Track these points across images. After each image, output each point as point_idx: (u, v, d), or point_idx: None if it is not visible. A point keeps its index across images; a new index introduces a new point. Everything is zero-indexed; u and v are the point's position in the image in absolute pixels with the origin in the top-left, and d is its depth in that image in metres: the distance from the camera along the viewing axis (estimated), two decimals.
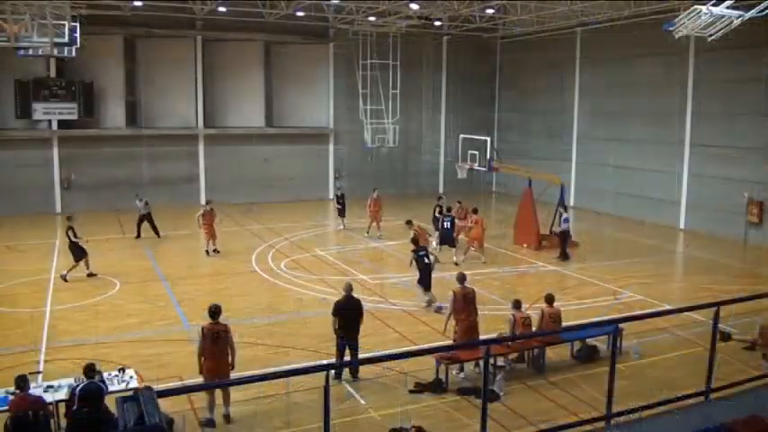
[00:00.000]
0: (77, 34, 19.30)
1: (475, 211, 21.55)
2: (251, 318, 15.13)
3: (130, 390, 9.40)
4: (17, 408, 8.87)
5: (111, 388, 9.58)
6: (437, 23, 33.03)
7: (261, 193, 32.66)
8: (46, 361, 12.68)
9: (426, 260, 16.08)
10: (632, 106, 29.20)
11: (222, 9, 29.24)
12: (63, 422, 9.46)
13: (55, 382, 10.11)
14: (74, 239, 18.63)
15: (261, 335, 13.34)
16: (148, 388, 5.37)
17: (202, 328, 10.35)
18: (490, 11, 30.04)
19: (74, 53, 22.48)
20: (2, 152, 29.39)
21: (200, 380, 10.34)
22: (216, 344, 10.23)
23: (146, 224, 24.13)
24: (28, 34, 14.78)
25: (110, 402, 8.97)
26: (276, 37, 33.01)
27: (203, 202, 32.15)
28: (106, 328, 14.67)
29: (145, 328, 14.77)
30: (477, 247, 21.17)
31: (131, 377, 10.20)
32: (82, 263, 18.67)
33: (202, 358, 10.22)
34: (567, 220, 21.46)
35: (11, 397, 9.23)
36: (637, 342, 13.12)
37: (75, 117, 29.62)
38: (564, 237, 21.41)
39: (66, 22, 16.78)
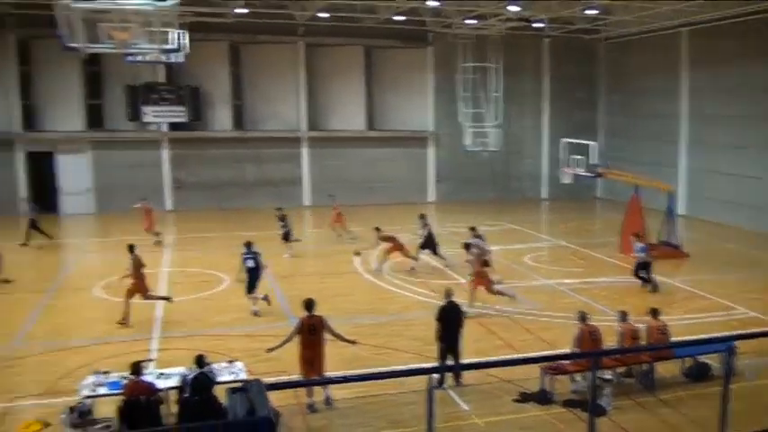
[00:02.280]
0: (185, 41, 20.02)
1: (467, 248, 17.26)
2: (353, 318, 15.26)
3: (239, 381, 9.64)
4: (131, 392, 9.27)
5: (219, 379, 9.87)
6: (538, 25, 32.43)
7: (363, 195, 32.98)
8: (159, 350, 13.24)
9: (251, 263, 15.80)
10: (748, 110, 27.61)
11: (323, 15, 29.74)
12: (173, 408, 9.81)
13: (167, 370, 10.49)
14: None
15: (363, 335, 13.42)
16: (258, 381, 5.47)
17: (300, 320, 10.93)
18: (592, 12, 29.22)
19: (182, 59, 23.40)
20: (116, 152, 31.06)
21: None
22: (312, 334, 10.77)
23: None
24: (137, 42, 15.40)
25: (219, 393, 9.28)
26: (376, 41, 33.33)
27: (306, 203, 32.84)
28: (216, 322, 15.18)
29: (252, 323, 15.18)
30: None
31: (240, 369, 10.48)
32: None
33: (299, 347, 10.76)
34: (644, 250, 18.67)
35: (125, 382, 9.67)
36: (752, 362, 12.34)
37: (184, 120, 30.84)
38: (642, 267, 18.49)
39: (173, 30, 17.41)
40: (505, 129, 33.75)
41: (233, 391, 7.75)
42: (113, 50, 16.55)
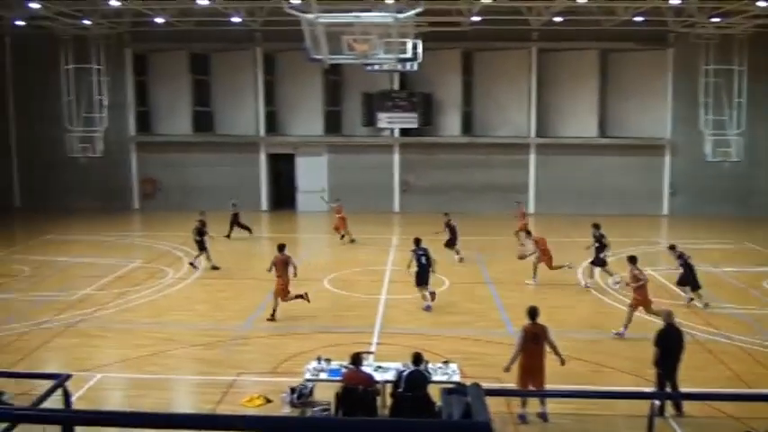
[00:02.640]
0: (420, 50, 20.71)
1: (632, 261, 14.98)
2: (571, 331, 14.72)
3: (454, 383, 9.72)
4: (349, 380, 9.74)
5: (434, 378, 10.03)
6: None
7: (590, 204, 31.65)
8: (377, 343, 13.77)
9: (424, 260, 16.31)
10: None
11: (558, 19, 29.08)
12: (388, 401, 10.14)
13: (384, 364, 10.87)
14: (197, 238, 20.56)
15: (580, 350, 12.94)
16: (477, 384, 5.41)
17: (523, 328, 10.77)
18: None
19: (416, 67, 24.19)
20: (350, 156, 32.92)
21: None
22: (535, 343, 10.58)
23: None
24: (375, 52, 16.15)
25: (433, 392, 9.43)
26: (612, 44, 31.86)
27: (531, 210, 32.12)
28: (433, 322, 15.48)
29: (469, 326, 15.26)
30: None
31: (454, 371, 10.56)
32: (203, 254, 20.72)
33: (520, 355, 10.62)
34: None
35: (344, 370, 10.18)
36: None
37: (415, 126, 31.83)
38: None
39: (409, 40, 18.04)
40: (750, 137, 30.69)
41: (448, 392, 7.82)
42: (353, 61, 17.56)
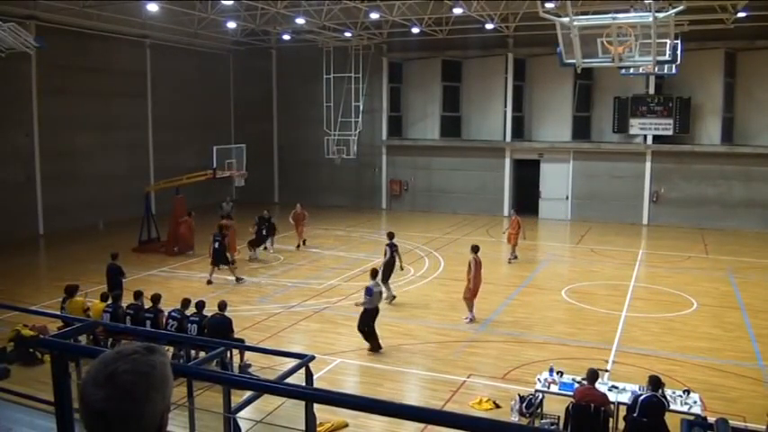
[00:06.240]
0: (679, 51, 19.33)
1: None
2: None
3: (695, 415, 8.98)
4: (582, 397, 9.37)
5: (672, 406, 9.38)
6: None
7: None
8: (614, 362, 13.12)
9: None
10: None
11: None
12: (620, 424, 9.61)
13: (620, 384, 10.38)
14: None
15: None
16: (725, 421, 4.93)
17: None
18: None
19: (674, 70, 22.65)
20: (597, 163, 31.73)
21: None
22: None
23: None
24: (631, 54, 15.39)
25: (669, 419, 8.79)
26: None
27: None
28: (675, 346, 14.38)
29: (715, 354, 13.95)
30: None
31: (695, 402, 9.76)
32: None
33: None
34: None
35: (577, 385, 9.83)
36: None
37: (669, 133, 29.95)
38: None
39: (668, 41, 16.95)
40: None
41: (691, 424, 7.24)
42: (608, 64, 16.95)
